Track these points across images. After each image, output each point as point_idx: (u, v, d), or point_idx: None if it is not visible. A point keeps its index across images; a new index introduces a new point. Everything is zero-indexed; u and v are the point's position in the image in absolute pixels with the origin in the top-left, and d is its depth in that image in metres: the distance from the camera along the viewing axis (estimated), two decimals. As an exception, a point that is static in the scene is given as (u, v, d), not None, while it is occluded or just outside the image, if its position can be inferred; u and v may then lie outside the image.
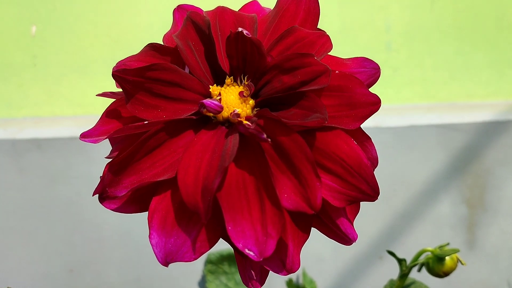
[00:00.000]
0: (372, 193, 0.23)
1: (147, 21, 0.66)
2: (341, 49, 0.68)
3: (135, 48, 0.66)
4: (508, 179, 0.67)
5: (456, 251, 0.37)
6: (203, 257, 0.65)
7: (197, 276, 0.67)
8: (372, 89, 0.72)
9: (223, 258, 0.64)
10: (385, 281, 0.44)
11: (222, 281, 0.63)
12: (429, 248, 0.38)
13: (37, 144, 0.63)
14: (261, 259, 0.22)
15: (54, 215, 0.65)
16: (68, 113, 0.67)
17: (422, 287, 0.44)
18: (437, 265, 0.38)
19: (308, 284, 0.63)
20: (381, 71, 0.74)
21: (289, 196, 0.23)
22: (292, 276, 0.65)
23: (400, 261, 0.39)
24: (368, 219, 0.67)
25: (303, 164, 0.22)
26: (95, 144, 0.26)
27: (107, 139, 0.27)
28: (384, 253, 0.66)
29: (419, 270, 0.39)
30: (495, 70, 0.70)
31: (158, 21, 0.66)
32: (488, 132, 0.65)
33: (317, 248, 0.67)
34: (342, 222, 0.25)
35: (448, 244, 0.39)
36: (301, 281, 0.65)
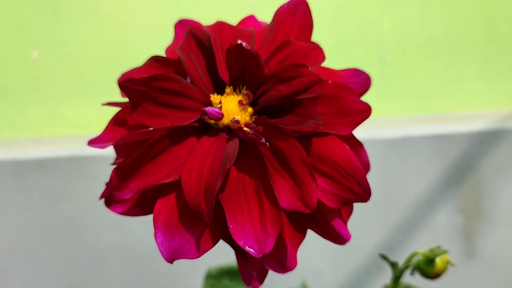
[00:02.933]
0: (364, 194, 0.25)
1: (144, 43, 0.68)
2: (335, 63, 0.70)
3: (131, 68, 0.68)
4: (503, 188, 0.68)
5: (444, 252, 0.38)
6: (203, 272, 0.66)
7: None
8: (366, 101, 0.74)
9: (223, 273, 0.65)
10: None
11: None
12: (420, 251, 0.39)
13: (39, 164, 0.64)
14: (261, 256, 0.23)
15: (56, 234, 0.66)
16: (69, 134, 0.68)
17: (417, 291, 0.45)
18: (427, 267, 0.38)
19: None
20: (374, 84, 0.76)
21: (286, 197, 0.24)
22: (291, 287, 0.66)
23: (393, 264, 0.40)
24: (366, 231, 0.68)
25: (299, 167, 0.24)
26: (106, 155, 0.28)
27: (112, 148, 0.28)
28: (383, 264, 0.67)
29: (411, 273, 0.40)
30: (486, 81, 0.71)
31: (154, 42, 0.68)
32: (482, 142, 0.67)
33: (316, 261, 0.68)
34: (336, 223, 0.26)
35: (439, 247, 0.40)
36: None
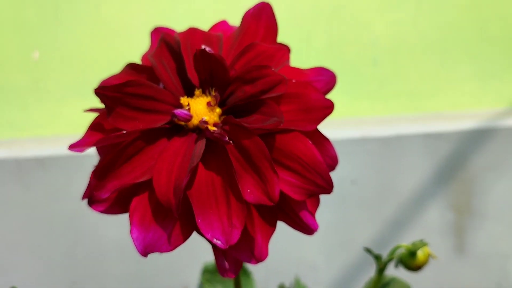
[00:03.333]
0: (327, 186, 0.26)
1: (142, 44, 0.68)
2: (329, 64, 0.71)
3: None
4: (493, 185, 0.69)
5: (425, 245, 0.39)
6: (201, 267, 0.67)
7: (195, 285, 0.68)
8: (361, 101, 0.75)
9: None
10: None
11: None
12: (403, 244, 0.40)
13: (41, 162, 0.65)
14: (227, 247, 0.25)
15: (57, 230, 0.67)
16: (69, 133, 0.69)
17: (401, 283, 0.46)
18: (410, 259, 0.40)
19: None
20: (368, 84, 0.76)
21: (251, 191, 0.25)
22: (285, 282, 0.67)
23: (376, 257, 0.41)
24: (359, 227, 0.69)
25: (262, 162, 0.25)
26: (89, 151, 0.30)
27: (95, 151, 0.30)
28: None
29: (396, 265, 0.42)
30: (478, 81, 0.72)
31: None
32: (473, 140, 0.68)
33: (310, 257, 0.69)
34: (304, 214, 0.27)
35: (422, 240, 0.41)
36: (294, 288, 0.67)
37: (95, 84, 0.72)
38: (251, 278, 0.66)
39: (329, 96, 0.29)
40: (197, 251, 0.68)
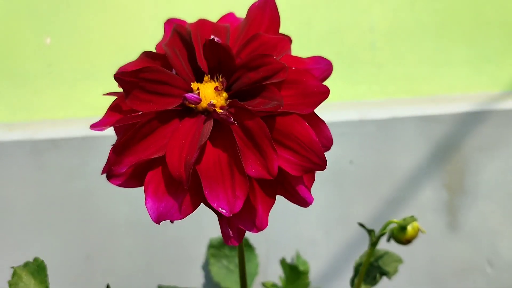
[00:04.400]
0: (321, 163, 0.29)
1: (149, 30, 0.71)
2: (329, 49, 0.73)
3: (139, 54, 0.70)
4: (485, 165, 0.71)
5: (414, 220, 0.42)
6: (207, 243, 0.70)
7: (201, 259, 0.71)
8: (359, 84, 0.77)
9: (223, 243, 0.69)
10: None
11: (223, 263, 0.68)
12: (395, 220, 0.43)
13: (54, 143, 0.67)
14: (231, 215, 0.28)
15: (71, 207, 0.69)
16: (81, 115, 0.71)
17: (394, 257, 0.49)
18: (400, 233, 0.42)
19: (302, 265, 0.68)
20: (366, 68, 0.78)
21: (253, 166, 0.28)
22: (286, 257, 0.70)
23: (370, 232, 0.44)
24: (357, 204, 0.71)
25: (263, 141, 0.28)
26: (101, 132, 0.33)
27: (113, 132, 0.33)
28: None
29: (388, 240, 0.45)
30: (473, 65, 0.74)
31: (159, 29, 0.70)
32: (466, 122, 0.70)
33: (309, 232, 0.71)
34: (300, 188, 0.30)
35: (412, 216, 0.44)
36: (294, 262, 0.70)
37: (105, 68, 0.75)
38: (254, 253, 0.70)
39: (327, 82, 0.32)
40: (202, 228, 0.70)
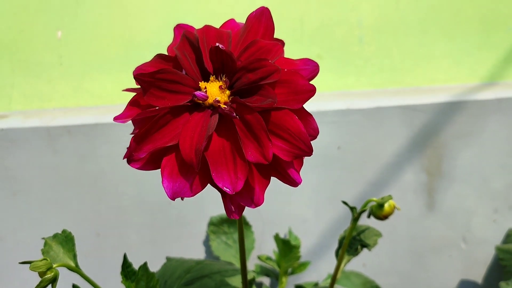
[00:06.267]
0: (308, 150, 0.34)
1: (154, 24, 0.74)
2: (320, 43, 0.77)
3: (144, 47, 0.75)
4: (461, 151, 0.75)
5: (390, 198, 0.48)
6: (207, 220, 0.74)
7: (202, 236, 0.75)
8: (348, 76, 0.81)
9: (223, 221, 0.73)
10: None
11: (222, 239, 0.72)
12: (374, 198, 0.49)
13: (68, 130, 0.70)
14: (234, 193, 0.33)
15: (83, 188, 0.73)
16: (91, 104, 0.74)
17: (374, 231, 0.55)
18: (378, 210, 0.48)
19: (293, 240, 0.73)
20: (354, 61, 0.82)
21: (252, 153, 0.34)
22: (280, 233, 0.75)
23: (352, 209, 0.50)
24: (344, 187, 0.75)
25: (260, 132, 0.34)
26: (122, 124, 0.38)
27: (131, 122, 0.38)
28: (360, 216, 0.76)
29: (368, 216, 0.50)
30: (453, 58, 0.78)
31: (163, 24, 0.74)
32: (445, 111, 0.73)
33: (301, 211, 0.75)
34: (291, 171, 0.35)
35: (389, 195, 0.49)
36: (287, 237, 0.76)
37: (112, 60, 0.79)
38: (251, 230, 0.75)
39: (318, 74, 0.37)
40: (203, 207, 0.75)
